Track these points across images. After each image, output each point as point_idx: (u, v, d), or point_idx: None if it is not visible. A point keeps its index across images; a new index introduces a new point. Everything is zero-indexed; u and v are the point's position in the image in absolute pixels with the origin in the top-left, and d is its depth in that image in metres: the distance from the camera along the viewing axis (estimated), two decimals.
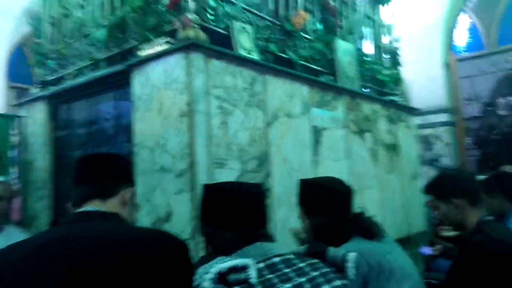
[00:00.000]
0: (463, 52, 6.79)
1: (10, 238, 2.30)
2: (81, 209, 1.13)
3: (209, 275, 0.93)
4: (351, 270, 1.18)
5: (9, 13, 5.78)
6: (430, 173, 6.07)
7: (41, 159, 3.06)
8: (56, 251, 0.93)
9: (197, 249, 1.92)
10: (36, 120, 3.16)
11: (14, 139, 3.69)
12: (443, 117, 6.29)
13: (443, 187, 1.91)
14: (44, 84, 3.23)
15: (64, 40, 3.03)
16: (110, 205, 1.17)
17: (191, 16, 2.20)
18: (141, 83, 2.30)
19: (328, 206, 1.57)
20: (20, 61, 6.57)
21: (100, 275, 0.91)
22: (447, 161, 6.19)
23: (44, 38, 3.27)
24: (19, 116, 3.32)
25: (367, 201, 3.12)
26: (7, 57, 6.20)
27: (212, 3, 2.42)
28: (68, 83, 2.93)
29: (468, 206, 1.84)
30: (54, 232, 1.08)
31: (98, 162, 1.25)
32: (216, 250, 1.16)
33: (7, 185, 2.62)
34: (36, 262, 0.94)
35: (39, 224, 3.01)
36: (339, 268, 1.18)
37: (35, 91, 3.26)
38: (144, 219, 2.18)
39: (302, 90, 2.76)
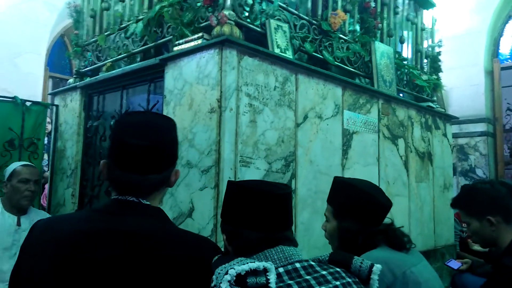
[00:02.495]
0: (508, 61, 6.48)
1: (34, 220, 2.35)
2: (123, 198, 1.08)
3: (227, 277, 0.90)
4: (376, 283, 1.13)
5: (53, 5, 5.96)
6: (463, 184, 5.87)
7: (71, 148, 3.13)
8: (99, 241, 0.99)
9: None
10: (69, 109, 3.22)
11: (49, 127, 3.81)
12: (481, 127, 6.04)
13: (476, 202, 1.81)
14: (81, 74, 3.30)
15: (102, 33, 3.09)
16: (156, 195, 1.13)
17: (227, 12, 2.18)
18: (174, 77, 2.31)
19: (364, 214, 1.50)
20: (61, 52, 6.78)
21: (138, 274, 0.96)
22: (481, 172, 5.95)
23: (83, 30, 3.35)
24: (54, 105, 3.40)
25: (394, 209, 3.01)
26: (48, 48, 6.41)
27: (248, 0, 2.40)
28: (103, 75, 2.98)
29: (502, 224, 1.74)
30: (100, 221, 1.05)
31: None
32: (236, 250, 1.13)
33: (33, 168, 2.60)
34: (80, 245, 0.99)
35: (64, 211, 3.06)
36: (363, 279, 1.13)
37: (71, 81, 3.34)
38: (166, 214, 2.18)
39: (335, 92, 2.70)
